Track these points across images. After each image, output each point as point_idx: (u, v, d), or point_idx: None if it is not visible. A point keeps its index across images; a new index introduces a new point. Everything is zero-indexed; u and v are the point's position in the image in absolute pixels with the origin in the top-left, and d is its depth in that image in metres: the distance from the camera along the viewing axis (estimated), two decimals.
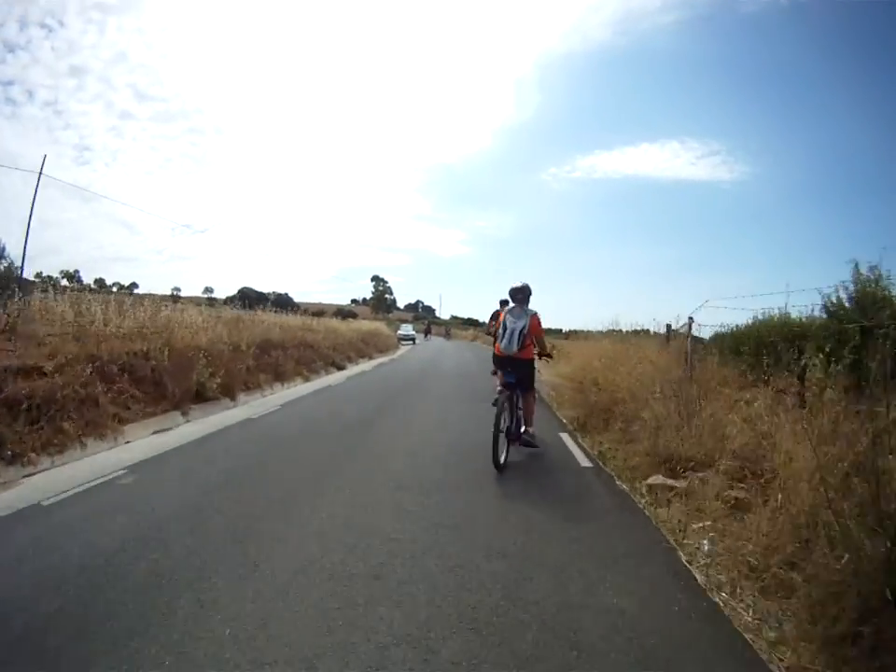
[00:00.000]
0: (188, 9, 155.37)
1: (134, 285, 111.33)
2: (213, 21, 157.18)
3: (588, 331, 20.17)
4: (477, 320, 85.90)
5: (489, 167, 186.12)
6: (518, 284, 6.69)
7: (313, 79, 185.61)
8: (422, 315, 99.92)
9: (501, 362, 6.63)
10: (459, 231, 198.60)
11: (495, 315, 11.37)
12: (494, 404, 6.16)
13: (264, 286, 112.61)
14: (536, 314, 6.62)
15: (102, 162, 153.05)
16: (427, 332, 57.78)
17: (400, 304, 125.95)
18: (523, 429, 6.85)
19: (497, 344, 6.78)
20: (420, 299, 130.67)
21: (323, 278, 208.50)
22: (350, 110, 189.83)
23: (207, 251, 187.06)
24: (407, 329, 47.51)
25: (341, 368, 18.96)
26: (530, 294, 6.75)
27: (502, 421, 6.05)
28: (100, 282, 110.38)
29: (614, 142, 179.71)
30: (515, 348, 6.37)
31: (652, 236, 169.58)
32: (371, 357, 25.15)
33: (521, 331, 6.36)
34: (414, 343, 44.96)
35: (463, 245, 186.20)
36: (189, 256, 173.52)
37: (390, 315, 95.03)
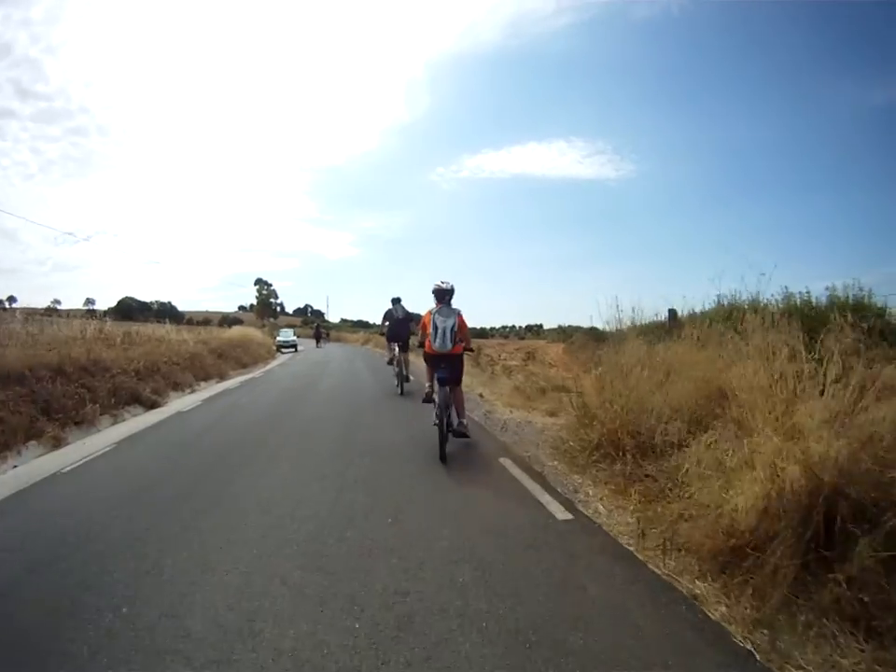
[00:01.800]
0: (76, 3, 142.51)
1: (12, 298, 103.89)
2: (100, 17, 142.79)
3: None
4: (367, 322, 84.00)
5: (377, 168, 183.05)
6: (445, 285, 6.82)
7: (199, 80, 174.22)
8: (311, 318, 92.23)
9: (435, 360, 6.74)
10: (348, 233, 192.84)
11: (388, 315, 12.24)
12: (426, 401, 6.97)
13: (149, 295, 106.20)
14: (460, 312, 6.84)
15: None
16: (317, 337, 47.44)
17: (290, 309, 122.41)
18: (457, 422, 6.84)
19: (428, 343, 6.80)
20: (309, 303, 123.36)
21: (211, 286, 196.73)
22: (236, 112, 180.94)
23: (91, 261, 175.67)
24: (287, 335, 39.57)
25: (152, 405, 11.25)
26: (454, 293, 6.82)
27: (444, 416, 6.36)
28: None
29: (502, 141, 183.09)
30: (449, 345, 6.60)
31: (545, 232, 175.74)
32: (222, 378, 17.84)
33: (452, 329, 6.59)
34: (296, 350, 38.31)
35: (352, 247, 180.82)
36: (72, 266, 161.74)
37: (276, 320, 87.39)
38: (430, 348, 6.73)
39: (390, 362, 12.77)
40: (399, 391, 11.95)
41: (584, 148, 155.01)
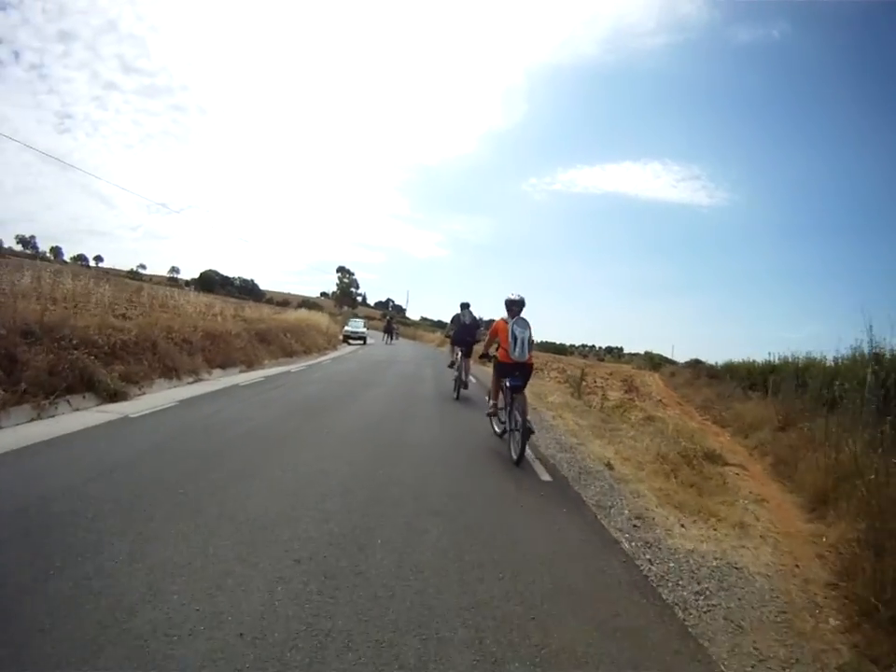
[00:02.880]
0: None
1: (99, 258, 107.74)
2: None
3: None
4: (447, 323, 76.47)
5: (470, 172, 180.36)
6: (516, 297, 7.09)
7: (302, 70, 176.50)
8: (390, 312, 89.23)
9: (510, 368, 6.88)
10: (436, 234, 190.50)
11: (455, 319, 12.22)
12: (490, 415, 7.89)
13: (234, 271, 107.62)
14: (530, 323, 7.07)
15: (83, 132, 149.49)
16: (388, 332, 40.98)
17: (371, 301, 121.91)
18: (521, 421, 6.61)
19: (502, 352, 6.98)
20: (391, 297, 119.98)
21: (297, 269, 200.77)
22: (336, 104, 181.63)
23: (182, 231, 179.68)
24: (357, 325, 36.06)
25: (112, 397, 7.84)
26: (524, 305, 7.10)
27: (510, 421, 6.81)
28: (55, 251, 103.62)
29: (597, 158, 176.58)
30: (527, 355, 6.80)
31: (631, 254, 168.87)
32: (250, 366, 14.24)
33: (529, 340, 6.82)
34: (364, 342, 34.91)
35: (439, 248, 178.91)
36: (163, 235, 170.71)
37: (354, 309, 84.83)
38: (508, 357, 6.86)
39: (451, 365, 12.37)
40: (456, 395, 11.77)
41: (679, 172, 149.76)
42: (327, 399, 10.05)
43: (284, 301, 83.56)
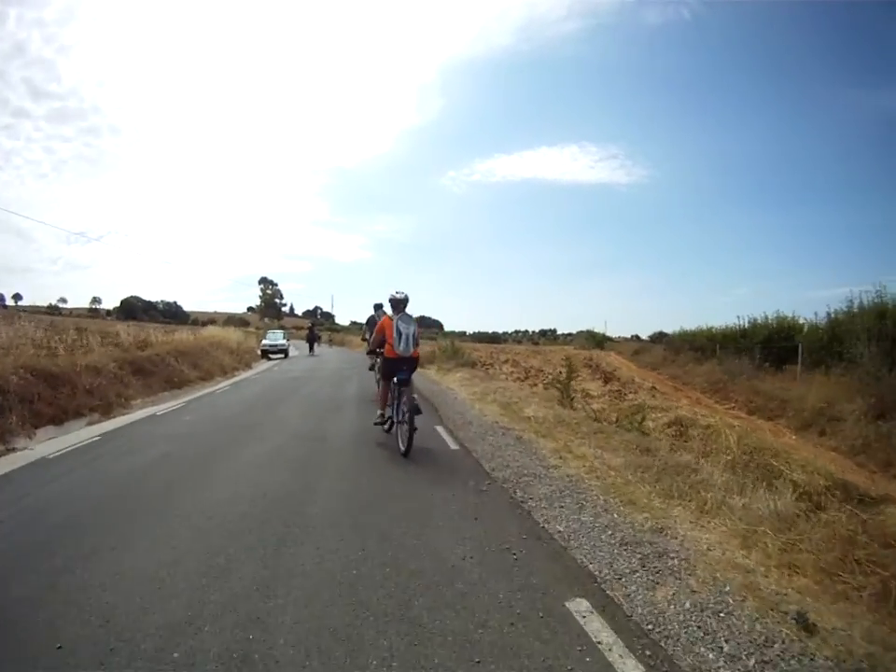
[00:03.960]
0: (89, 3, 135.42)
1: (18, 296, 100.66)
2: (112, 18, 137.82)
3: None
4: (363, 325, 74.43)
5: (389, 171, 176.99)
6: (400, 294, 7.32)
7: (211, 82, 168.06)
8: (312, 319, 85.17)
9: (397, 363, 7.13)
10: (359, 236, 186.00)
11: (370, 321, 11.60)
12: (377, 423, 7.86)
13: (158, 295, 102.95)
14: (415, 319, 7.32)
15: None
16: (311, 341, 35.02)
17: (299, 311, 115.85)
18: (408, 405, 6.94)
19: (388, 348, 7.15)
20: (319, 305, 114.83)
21: (221, 287, 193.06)
22: (248, 113, 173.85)
23: (102, 260, 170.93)
24: (275, 338, 31.79)
25: None
26: (408, 302, 7.37)
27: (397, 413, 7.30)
28: None
29: (514, 146, 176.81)
30: (411, 350, 7.15)
31: (555, 237, 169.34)
32: (63, 420, 9.76)
33: (414, 335, 7.14)
34: (286, 356, 31.11)
35: (363, 250, 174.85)
36: (84, 265, 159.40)
37: (281, 321, 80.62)
38: (393, 352, 7.13)
39: (371, 368, 12.55)
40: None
41: (597, 153, 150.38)
42: (148, 490, 5.88)
43: (210, 321, 79.46)
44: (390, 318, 7.22)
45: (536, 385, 14.64)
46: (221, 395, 13.74)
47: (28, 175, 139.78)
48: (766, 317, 18.78)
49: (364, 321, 12.70)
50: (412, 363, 7.25)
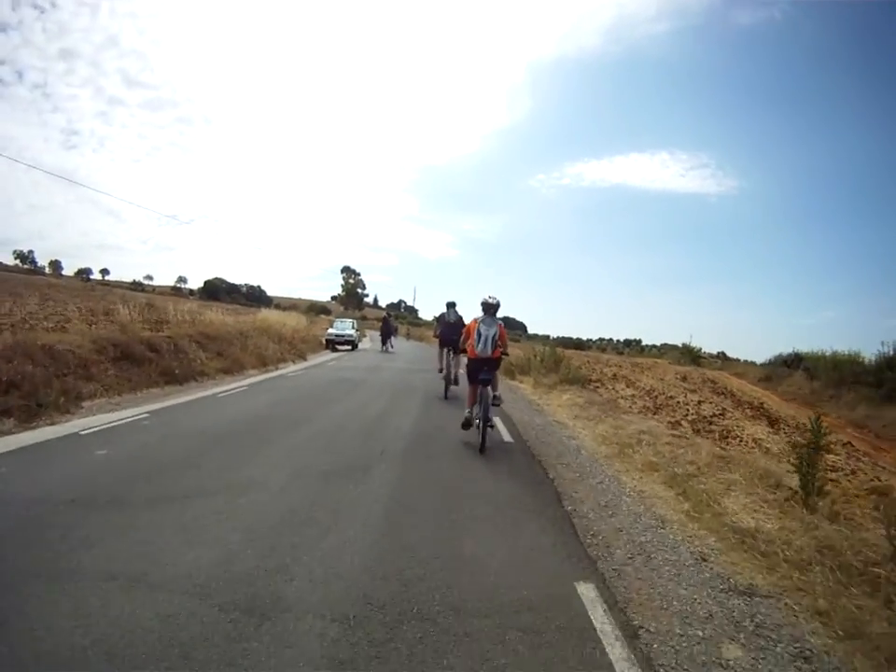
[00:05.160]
0: None
1: (105, 271, 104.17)
2: (207, 8, 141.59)
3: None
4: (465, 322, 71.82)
5: (477, 171, 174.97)
6: (492, 300, 7.30)
7: (306, 76, 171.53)
8: (387, 309, 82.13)
9: (477, 363, 7.17)
10: (446, 234, 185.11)
11: (441, 318, 12.19)
12: (464, 426, 7.15)
13: (244, 279, 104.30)
14: (501, 322, 7.36)
15: (89, 148, 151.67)
16: (385, 335, 28.00)
17: (383, 303, 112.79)
18: (493, 397, 7.19)
19: (470, 348, 7.27)
20: (403, 299, 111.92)
21: (310, 275, 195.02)
22: (342, 109, 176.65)
23: (191, 242, 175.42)
24: (343, 327, 28.04)
25: None
26: (499, 307, 7.34)
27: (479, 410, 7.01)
28: (54, 265, 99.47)
29: (603, 150, 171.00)
30: (489, 351, 7.10)
31: (642, 246, 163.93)
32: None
33: (493, 337, 7.08)
34: (354, 347, 27.50)
35: (450, 248, 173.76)
36: (173, 246, 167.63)
37: (362, 311, 77.65)
38: (473, 353, 7.24)
39: (440, 370, 11.88)
40: (445, 395, 11.07)
41: (687, 161, 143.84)
42: None
43: (291, 306, 79.38)
44: (476, 321, 7.36)
45: (678, 422, 9.67)
46: (219, 401, 9.24)
47: (122, 160, 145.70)
48: None
49: (466, 318, 11.32)
50: (492, 363, 7.23)
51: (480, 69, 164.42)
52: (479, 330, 7.12)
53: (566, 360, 15.20)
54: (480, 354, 7.08)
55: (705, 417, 10.86)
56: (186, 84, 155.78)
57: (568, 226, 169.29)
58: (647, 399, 12.53)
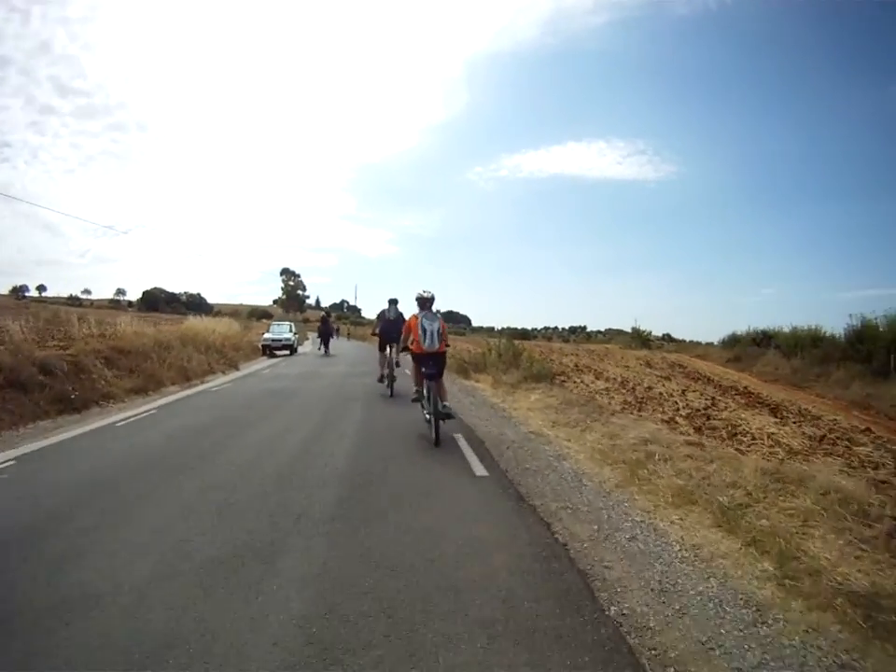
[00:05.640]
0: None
1: (42, 287, 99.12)
2: (137, 13, 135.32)
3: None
4: (404, 318, 71.82)
5: (415, 166, 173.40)
6: (427, 294, 7.40)
7: (240, 79, 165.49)
8: (346, 314, 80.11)
9: (424, 359, 7.09)
10: (386, 231, 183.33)
11: (381, 315, 11.57)
12: (414, 400, 7.56)
13: (185, 287, 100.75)
14: (441, 316, 7.36)
15: (21, 160, 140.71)
16: (323, 337, 25.40)
17: (325, 304, 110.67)
18: (441, 405, 6.95)
19: (416, 344, 7.16)
20: (345, 299, 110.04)
21: (249, 279, 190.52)
22: (277, 110, 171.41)
23: (130, 253, 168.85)
24: (280, 331, 26.03)
25: None
26: (434, 301, 7.42)
27: (427, 406, 7.06)
28: None
29: (540, 141, 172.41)
30: (437, 345, 7.08)
31: (583, 234, 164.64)
32: None
33: (438, 331, 7.10)
34: (292, 352, 25.73)
35: (390, 245, 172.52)
36: (111, 258, 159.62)
37: (303, 313, 75.51)
38: (420, 348, 7.12)
39: (381, 380, 11.47)
40: (390, 392, 10.78)
41: (624, 149, 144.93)
42: None
43: (233, 313, 77.00)
44: (416, 317, 7.26)
45: (673, 419, 8.40)
46: (114, 433, 7.17)
47: (56, 171, 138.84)
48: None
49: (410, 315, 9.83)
50: (438, 358, 7.15)
51: (415, 65, 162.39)
52: (422, 325, 7.11)
53: (526, 353, 13.76)
54: (427, 349, 7.06)
55: (698, 410, 9.49)
56: (118, 90, 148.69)
57: (508, 217, 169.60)
58: (623, 391, 11.08)
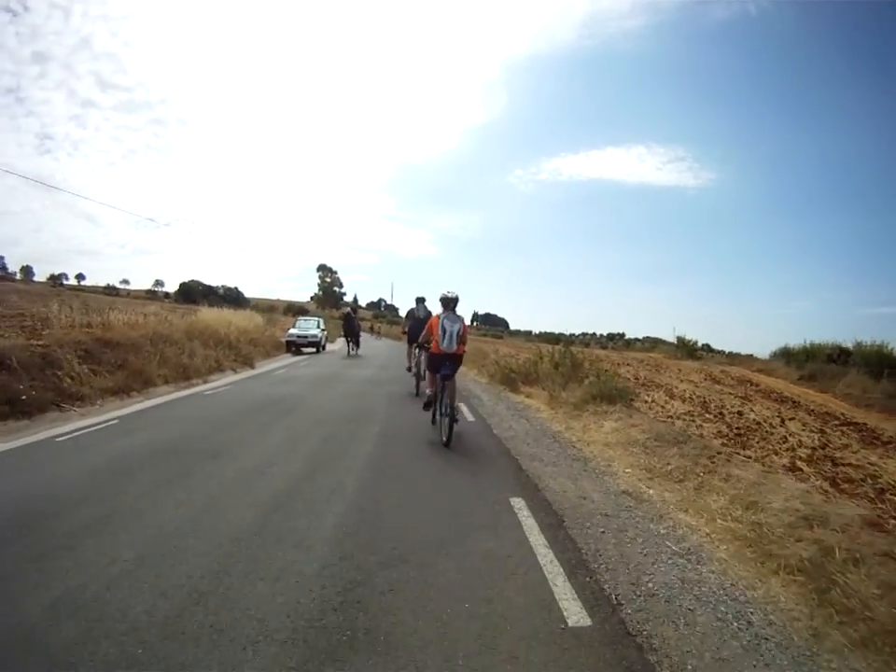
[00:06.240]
0: None
1: (81, 276, 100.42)
2: (179, 10, 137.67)
3: None
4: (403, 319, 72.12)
5: (454, 167, 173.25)
6: (450, 294, 7.13)
7: (283, 77, 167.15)
8: (350, 304, 79.08)
9: (441, 359, 6.93)
10: (425, 231, 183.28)
11: (410, 314, 11.64)
12: (426, 405, 7.30)
13: (223, 280, 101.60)
14: (464, 318, 7.11)
15: (64, 152, 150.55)
16: (348, 335, 22.18)
17: (363, 302, 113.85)
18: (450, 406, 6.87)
19: (434, 344, 7.02)
20: (383, 297, 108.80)
21: (290, 275, 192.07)
22: (318, 108, 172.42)
23: (170, 245, 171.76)
24: (307, 327, 24.19)
25: None
26: (458, 302, 7.14)
27: (440, 407, 6.86)
28: (25, 270, 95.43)
29: (579, 145, 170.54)
30: (455, 347, 6.88)
31: (621, 239, 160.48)
32: None
33: (458, 333, 6.89)
34: (319, 350, 23.70)
35: (429, 245, 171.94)
36: (151, 250, 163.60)
37: (339, 310, 73.94)
38: (438, 348, 6.97)
39: (409, 369, 11.67)
40: (416, 391, 10.69)
41: (664, 155, 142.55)
42: None
43: (269, 308, 76.71)
44: (438, 317, 7.06)
45: (794, 465, 5.75)
46: (46, 454, 5.19)
47: (98, 163, 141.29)
48: None
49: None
50: (454, 359, 6.97)
51: (455, 67, 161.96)
52: (443, 326, 6.92)
53: (594, 364, 11.46)
54: (445, 349, 6.89)
55: (814, 449, 7.09)
56: (159, 86, 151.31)
57: (547, 220, 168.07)
58: (709, 416, 8.87)
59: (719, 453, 5.69)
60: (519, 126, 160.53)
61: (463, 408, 8.76)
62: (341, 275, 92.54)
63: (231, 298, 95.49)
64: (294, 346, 22.31)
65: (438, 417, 7.05)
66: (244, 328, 18.84)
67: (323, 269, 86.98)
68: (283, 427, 7.16)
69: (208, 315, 18.21)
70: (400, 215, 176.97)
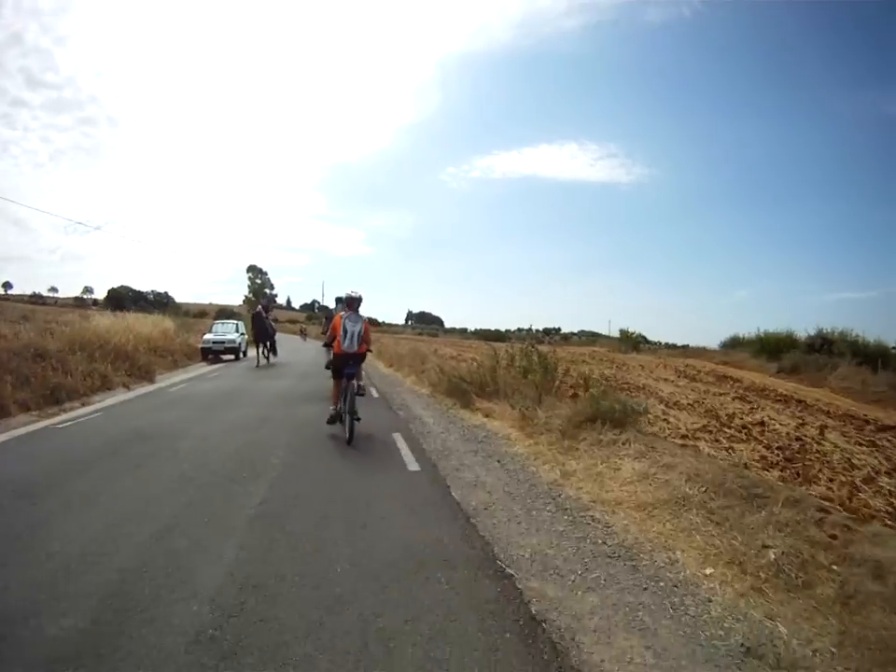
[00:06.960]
0: None
1: (8, 284, 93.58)
2: (111, 7, 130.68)
3: None
4: (376, 319, 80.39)
5: (387, 166, 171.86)
6: (354, 294, 7.13)
7: (212, 74, 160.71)
8: (316, 314, 76.29)
9: (343, 359, 6.97)
10: (358, 231, 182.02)
11: (329, 315, 12.06)
12: (329, 422, 7.26)
13: (152, 286, 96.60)
14: (366, 319, 7.16)
15: None
16: (260, 337, 18.36)
17: (296, 304, 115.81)
18: (356, 389, 6.90)
19: (337, 344, 7.02)
20: (316, 298, 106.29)
21: (221, 278, 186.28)
22: (248, 106, 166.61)
23: (100, 251, 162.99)
24: (223, 332, 21.70)
25: None
26: (362, 302, 7.20)
27: (343, 406, 6.88)
28: None
29: (514, 143, 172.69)
30: (356, 347, 6.91)
31: (555, 235, 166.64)
32: None
33: (359, 333, 6.93)
34: (239, 356, 21.59)
35: (362, 245, 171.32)
36: (81, 255, 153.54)
37: (272, 312, 70.93)
38: (339, 349, 6.98)
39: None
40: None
41: (596, 151, 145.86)
42: None
43: (201, 312, 73.40)
44: (340, 317, 7.06)
45: (868, 512, 3.92)
46: None
47: (26, 165, 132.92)
48: None
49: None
50: (357, 358, 7.00)
51: (388, 65, 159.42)
52: (345, 326, 6.90)
53: (574, 367, 9.66)
54: (346, 349, 6.88)
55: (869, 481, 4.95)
56: (89, 84, 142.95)
57: (481, 218, 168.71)
58: (730, 431, 6.93)
59: (823, 511, 3.53)
60: (452, 124, 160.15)
61: (400, 444, 6.64)
62: (272, 277, 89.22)
63: (161, 303, 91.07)
64: (210, 353, 19.98)
65: (342, 414, 6.96)
66: (146, 335, 16.05)
67: (253, 270, 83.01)
68: (125, 489, 4.63)
69: (102, 321, 15.44)
70: (333, 214, 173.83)
